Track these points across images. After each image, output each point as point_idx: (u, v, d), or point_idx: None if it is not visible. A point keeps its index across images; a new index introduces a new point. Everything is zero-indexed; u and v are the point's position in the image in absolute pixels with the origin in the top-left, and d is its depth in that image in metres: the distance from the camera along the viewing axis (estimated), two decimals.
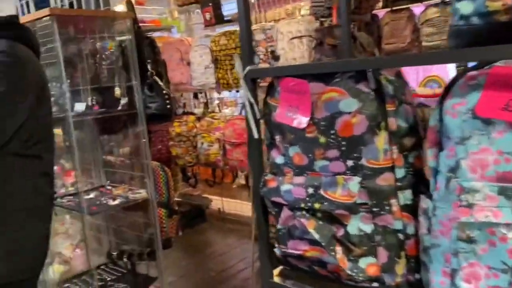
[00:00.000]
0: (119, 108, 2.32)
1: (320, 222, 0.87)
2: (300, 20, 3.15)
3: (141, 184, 2.44)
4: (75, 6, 2.34)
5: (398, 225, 0.85)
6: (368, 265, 0.86)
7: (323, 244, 0.86)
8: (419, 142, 0.87)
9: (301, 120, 0.86)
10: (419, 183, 0.85)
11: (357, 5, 2.78)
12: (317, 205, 0.86)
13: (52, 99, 1.60)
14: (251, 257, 3.53)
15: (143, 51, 2.34)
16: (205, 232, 4.22)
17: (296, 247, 0.91)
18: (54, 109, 1.73)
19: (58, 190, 2.42)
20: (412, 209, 0.85)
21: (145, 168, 2.31)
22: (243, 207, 4.34)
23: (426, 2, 2.72)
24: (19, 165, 1.28)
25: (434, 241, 0.79)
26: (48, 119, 1.40)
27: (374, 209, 0.84)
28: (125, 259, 2.40)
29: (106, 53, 2.70)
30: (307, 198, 0.87)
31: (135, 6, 3.12)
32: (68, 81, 2.16)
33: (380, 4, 2.92)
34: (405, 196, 0.85)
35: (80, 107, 2.27)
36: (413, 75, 3.23)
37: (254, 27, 3.35)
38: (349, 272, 0.86)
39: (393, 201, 0.84)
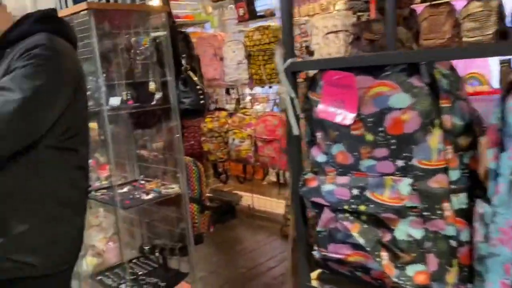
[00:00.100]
0: (153, 102, 2.32)
1: (365, 226, 0.81)
2: (336, 15, 3.07)
3: (174, 179, 2.43)
4: (111, 0, 2.35)
5: (450, 231, 0.78)
6: (416, 272, 0.80)
7: (367, 249, 0.80)
8: (475, 141, 0.80)
9: (346, 116, 0.81)
10: (475, 186, 0.79)
11: None
12: (362, 208, 0.80)
13: (88, 93, 1.61)
14: (282, 256, 3.50)
15: (178, 46, 2.33)
16: (235, 229, 4.21)
17: (338, 251, 0.86)
18: (89, 103, 1.74)
19: (92, 184, 2.45)
20: (466, 214, 0.79)
21: (178, 163, 2.30)
22: (273, 205, 4.30)
23: None
24: (55, 158, 1.28)
25: (492, 250, 0.72)
26: (84, 113, 1.40)
27: (425, 213, 0.78)
28: (157, 254, 2.41)
29: (141, 48, 2.71)
30: (352, 200, 0.82)
31: (170, 1, 3.12)
32: (104, 75, 2.18)
33: None
34: (460, 200, 0.78)
35: (115, 101, 2.28)
36: None
37: None
38: (395, 280, 0.80)
39: (446, 205, 0.77)
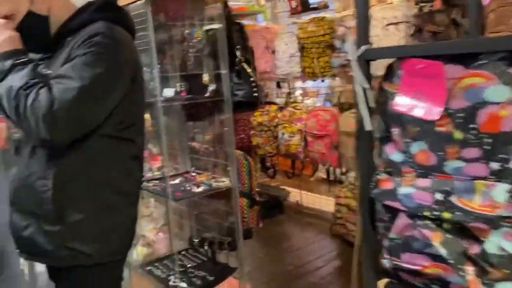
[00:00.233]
0: (207, 94, 2.29)
1: (448, 235, 0.72)
2: (396, 6, 2.91)
3: (224, 172, 2.40)
4: None
5: None
6: None
7: (450, 261, 0.71)
8: None
9: (431, 110, 0.71)
10: None
11: None
12: (446, 215, 0.71)
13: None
14: (330, 255, 3.40)
15: (233, 37, 2.28)
16: (282, 224, 4.15)
17: (413, 262, 0.77)
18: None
19: (145, 174, 2.46)
20: None
21: (229, 156, 2.26)
22: (322, 202, 4.20)
23: None
24: (112, 148, 1.28)
25: None
26: (141, 103, 1.38)
27: None
28: (206, 247, 2.39)
29: (193, 41, 2.70)
30: (434, 206, 0.72)
31: None
32: (158, 67, 2.17)
33: None
34: None
35: (168, 92, 2.28)
36: None
37: (344, 13, 3.17)
38: None
39: None
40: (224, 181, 2.27)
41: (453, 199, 0.71)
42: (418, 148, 0.76)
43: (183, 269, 2.29)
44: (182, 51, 2.68)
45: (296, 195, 4.45)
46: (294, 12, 3.88)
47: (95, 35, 1.18)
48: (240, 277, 2.38)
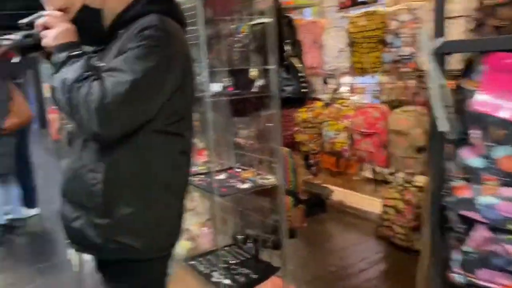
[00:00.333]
0: (254, 90, 2.25)
1: None
2: None
3: (269, 169, 2.36)
4: None
5: None
6: None
7: None
8: None
9: None
10: None
11: None
12: None
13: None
14: (375, 258, 3.29)
15: (283, 31, 2.23)
16: (325, 224, 4.06)
17: (492, 279, 0.69)
18: None
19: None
20: None
21: (276, 153, 2.21)
22: (366, 202, 4.09)
23: None
24: (161, 142, 1.26)
25: None
26: (191, 97, 1.36)
27: None
28: (249, 244, 2.36)
29: (239, 36, 2.66)
30: None
31: None
32: (207, 61, 2.15)
33: None
34: None
35: (216, 87, 2.26)
36: None
37: (399, 6, 3.03)
38: None
39: None
40: (269, 179, 2.23)
41: None
42: (503, 153, 0.68)
43: (226, 265, 2.27)
44: (230, 46, 2.66)
45: (339, 194, 4.35)
46: (343, 6, 3.78)
47: (147, 28, 1.17)
48: (283, 276, 2.33)
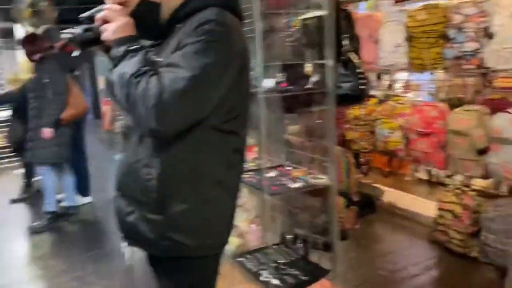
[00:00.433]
0: (309, 86, 2.18)
1: None
2: None
3: (321, 168, 2.28)
4: None
5: None
6: None
7: None
8: None
9: None
10: None
11: None
12: None
13: None
14: (429, 263, 3.14)
15: (340, 25, 2.14)
16: (374, 225, 3.94)
17: None
18: None
19: None
20: None
21: (330, 152, 2.13)
22: (419, 204, 3.93)
23: None
24: (217, 140, 1.24)
25: None
26: (247, 93, 1.32)
27: None
28: (299, 245, 2.31)
29: (291, 30, 2.61)
30: None
31: None
32: (261, 57, 2.11)
33: None
34: None
35: (269, 83, 2.21)
36: None
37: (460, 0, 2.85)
38: None
39: None
40: (322, 178, 2.16)
41: None
42: None
43: (275, 264, 2.23)
44: (279, 41, 2.61)
45: (390, 194, 4.19)
46: (398, 0, 3.61)
47: (206, 22, 1.14)
48: (333, 279, 2.26)
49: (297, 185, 2.13)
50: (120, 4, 1.22)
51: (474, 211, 3.01)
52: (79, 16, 1.26)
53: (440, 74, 3.54)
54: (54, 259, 3.54)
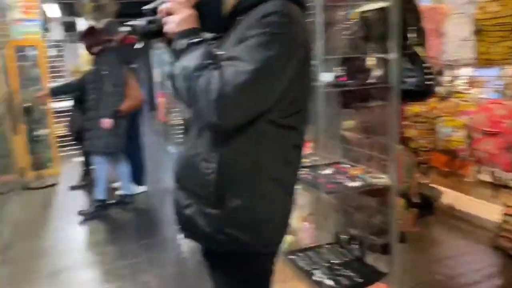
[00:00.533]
0: (370, 80, 2.08)
1: None
2: None
3: (379, 166, 2.18)
4: None
5: None
6: None
7: None
8: None
9: None
10: None
11: None
12: None
13: None
14: (492, 270, 2.94)
15: (407, 16, 2.02)
16: (431, 227, 3.75)
17: None
18: None
19: None
20: None
21: (390, 150, 2.03)
22: (481, 207, 3.69)
23: None
24: (276, 135, 1.20)
25: None
26: (309, 87, 1.27)
27: None
28: (355, 246, 2.23)
29: (349, 22, 2.51)
30: None
31: None
32: (321, 50, 2.04)
33: None
34: None
35: (327, 77, 2.14)
36: None
37: None
38: None
39: None
40: (382, 178, 2.06)
41: None
42: None
43: (328, 264, 2.17)
44: (337, 34, 2.52)
45: (449, 196, 3.98)
46: None
47: (271, 14, 1.10)
48: (390, 282, 2.17)
49: (355, 184, 2.05)
50: None
51: None
52: (142, 8, 1.26)
53: (509, 69, 3.30)
54: (109, 246, 3.65)
